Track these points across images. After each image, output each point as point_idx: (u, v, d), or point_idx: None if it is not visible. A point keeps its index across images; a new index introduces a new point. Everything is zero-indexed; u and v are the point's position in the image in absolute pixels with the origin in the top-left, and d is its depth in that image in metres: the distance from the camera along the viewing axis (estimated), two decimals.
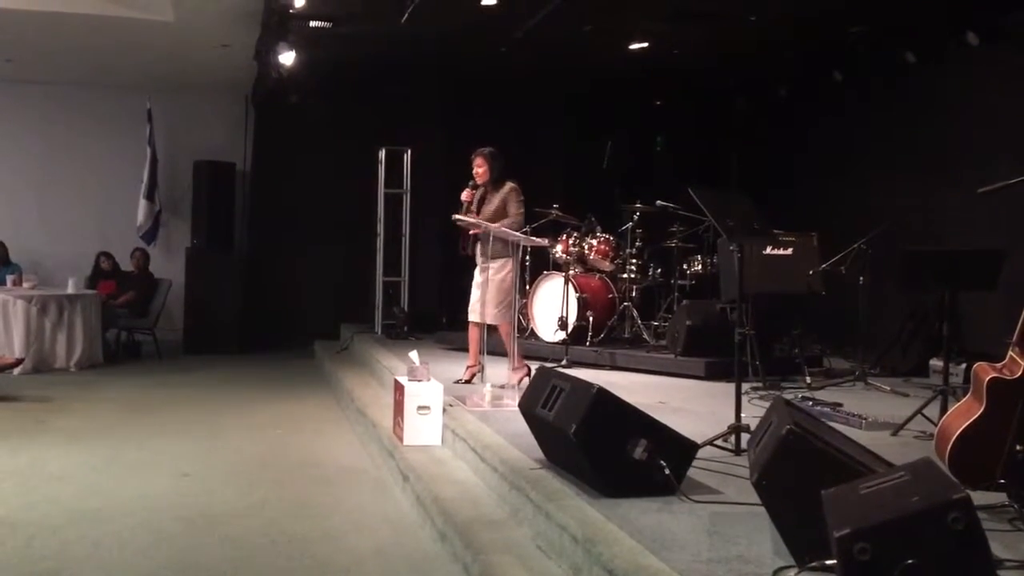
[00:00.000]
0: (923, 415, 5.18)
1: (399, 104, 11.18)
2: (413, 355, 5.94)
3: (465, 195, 6.80)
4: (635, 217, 8.55)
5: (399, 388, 5.78)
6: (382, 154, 10.75)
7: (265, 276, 11.70)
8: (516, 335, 6.74)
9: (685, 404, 6.17)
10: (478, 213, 6.71)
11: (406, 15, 7.99)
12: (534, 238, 6.78)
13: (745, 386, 5.53)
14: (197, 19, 8.86)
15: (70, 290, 9.79)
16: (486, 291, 6.65)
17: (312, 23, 8.47)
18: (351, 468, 5.87)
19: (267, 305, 11.55)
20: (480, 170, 6.75)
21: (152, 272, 11.16)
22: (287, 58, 8.86)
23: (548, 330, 8.26)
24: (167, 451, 6.19)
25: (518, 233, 6.51)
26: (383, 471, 5.72)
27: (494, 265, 6.63)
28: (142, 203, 11.71)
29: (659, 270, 8.69)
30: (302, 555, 4.23)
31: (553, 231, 8.62)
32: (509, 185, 6.72)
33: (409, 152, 10.77)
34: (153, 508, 4.88)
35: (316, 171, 11.57)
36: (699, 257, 8.58)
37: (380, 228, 10.75)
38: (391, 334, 10.16)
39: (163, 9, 8.70)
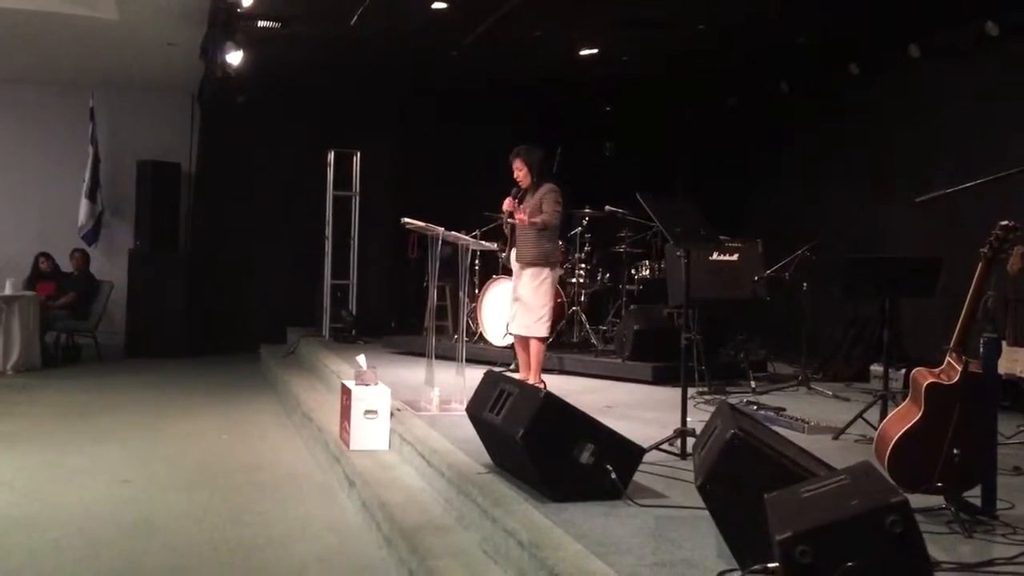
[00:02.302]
0: (864, 419, 5.27)
1: (348, 106, 11.11)
2: (361, 359, 5.90)
3: (507, 204, 6.37)
4: (584, 222, 8.59)
5: (346, 392, 5.73)
6: (331, 156, 10.68)
7: (210, 278, 11.53)
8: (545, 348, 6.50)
9: (632, 408, 6.21)
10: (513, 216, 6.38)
11: (355, 17, 7.95)
12: (483, 242, 6.75)
13: (691, 390, 5.57)
14: (142, 17, 8.72)
15: (7, 291, 9.56)
16: (522, 301, 6.37)
17: (260, 23, 8.37)
18: (296, 474, 5.81)
19: (212, 308, 11.39)
20: (520, 174, 6.36)
21: (93, 273, 10.94)
22: (234, 57, 8.75)
23: (497, 334, 8.25)
24: (107, 457, 6.07)
25: (467, 238, 6.44)
26: (329, 476, 5.66)
27: (528, 273, 6.34)
28: (83, 203, 11.48)
29: (607, 275, 8.73)
30: (245, 562, 4.17)
31: (502, 236, 8.61)
32: (547, 186, 6.32)
33: (358, 154, 10.72)
34: (92, 515, 4.78)
35: (263, 172, 11.45)
36: (647, 262, 8.64)
37: (328, 230, 10.67)
38: (339, 338, 10.08)
39: (107, 6, 8.54)
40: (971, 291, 3.62)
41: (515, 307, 6.42)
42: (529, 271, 6.36)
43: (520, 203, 6.40)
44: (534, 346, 6.41)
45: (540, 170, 6.40)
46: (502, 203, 6.42)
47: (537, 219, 6.23)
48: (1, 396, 8.07)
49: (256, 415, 7.73)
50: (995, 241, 3.57)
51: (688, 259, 5.00)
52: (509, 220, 6.38)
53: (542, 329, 6.37)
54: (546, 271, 6.33)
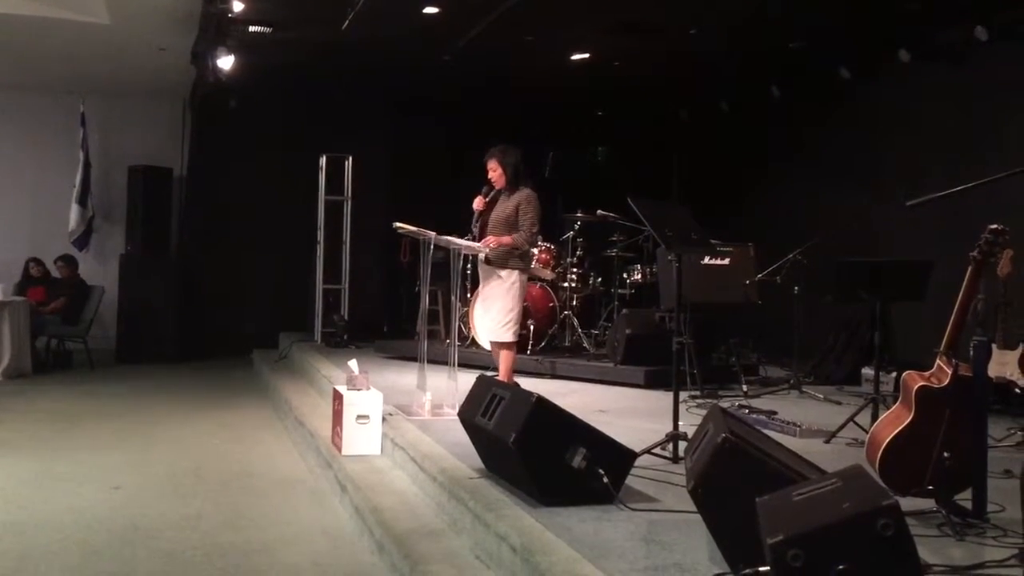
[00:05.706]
0: (855, 423, 5.28)
1: (341, 111, 11.11)
2: (352, 364, 5.89)
3: (477, 203, 6.28)
4: (576, 226, 8.60)
5: (338, 397, 5.72)
6: (323, 161, 10.68)
7: (202, 283, 11.51)
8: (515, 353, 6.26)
9: (624, 412, 6.21)
10: (486, 219, 6.27)
11: (347, 22, 7.96)
12: (475, 246, 6.72)
13: (683, 394, 5.58)
14: (133, 22, 8.71)
15: None
16: (488, 304, 6.25)
17: (251, 28, 8.37)
18: (289, 479, 5.79)
19: (204, 313, 11.37)
20: (494, 174, 6.22)
21: (84, 278, 10.91)
22: (226, 62, 8.75)
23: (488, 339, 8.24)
24: (98, 463, 6.04)
25: (462, 241, 6.37)
26: (321, 481, 5.65)
27: (496, 275, 6.20)
28: (74, 208, 11.47)
29: (599, 279, 8.74)
30: (238, 568, 4.16)
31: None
32: (524, 192, 6.18)
33: (350, 159, 10.72)
34: (83, 522, 4.76)
35: (255, 177, 11.43)
36: (639, 266, 8.66)
37: (320, 235, 10.66)
38: (331, 342, 10.07)
39: (98, 11, 8.53)
40: (961, 294, 3.63)
41: (480, 310, 6.26)
42: (497, 274, 6.23)
43: (492, 204, 6.30)
44: (502, 352, 6.26)
45: (515, 174, 6.24)
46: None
47: (512, 242, 6.14)
48: None
49: (248, 420, 7.71)
50: (984, 244, 3.58)
51: (680, 263, 5.01)
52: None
53: (507, 334, 6.19)
54: (515, 274, 6.19)
